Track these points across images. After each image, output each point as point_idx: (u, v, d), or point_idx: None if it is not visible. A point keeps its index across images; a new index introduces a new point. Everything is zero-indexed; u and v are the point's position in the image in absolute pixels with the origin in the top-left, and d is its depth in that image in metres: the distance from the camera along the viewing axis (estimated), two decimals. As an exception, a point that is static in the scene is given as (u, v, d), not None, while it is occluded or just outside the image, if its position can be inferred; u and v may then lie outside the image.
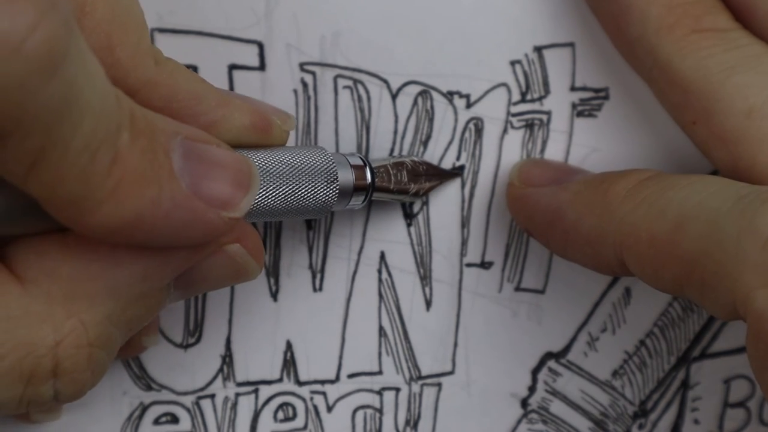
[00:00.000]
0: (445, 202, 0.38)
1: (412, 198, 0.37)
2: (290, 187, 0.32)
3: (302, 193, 0.33)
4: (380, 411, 0.39)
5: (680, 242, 0.31)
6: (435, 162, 0.37)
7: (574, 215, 0.35)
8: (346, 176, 0.34)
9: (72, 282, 0.27)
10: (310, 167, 0.33)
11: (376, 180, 0.35)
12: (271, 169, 0.32)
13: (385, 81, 0.36)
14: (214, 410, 0.38)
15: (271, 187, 0.32)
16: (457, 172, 0.38)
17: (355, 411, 0.39)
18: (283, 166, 0.32)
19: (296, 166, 0.33)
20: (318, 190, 0.33)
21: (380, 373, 0.39)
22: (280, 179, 0.32)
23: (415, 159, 0.37)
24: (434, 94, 0.37)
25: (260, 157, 0.32)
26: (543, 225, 0.36)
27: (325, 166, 0.33)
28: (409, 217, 0.38)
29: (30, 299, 0.27)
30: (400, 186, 0.36)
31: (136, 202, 0.26)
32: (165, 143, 0.27)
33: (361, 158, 0.35)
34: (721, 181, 0.32)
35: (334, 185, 0.33)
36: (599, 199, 0.34)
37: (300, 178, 0.32)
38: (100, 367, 0.29)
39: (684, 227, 0.31)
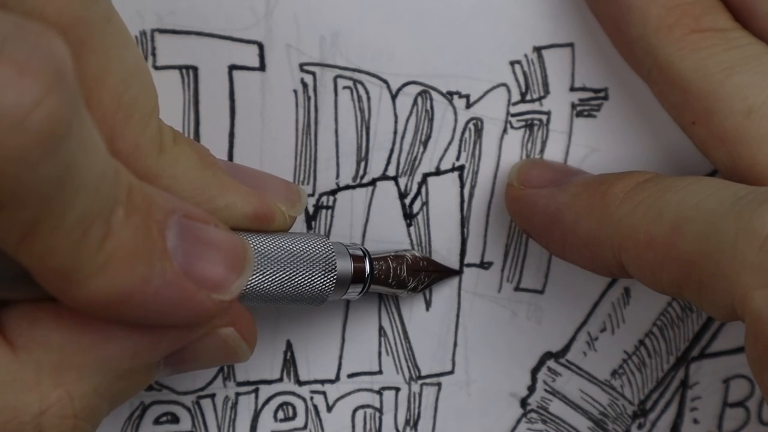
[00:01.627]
0: (444, 203, 0.38)
1: (410, 293, 0.37)
2: (287, 273, 0.32)
3: (299, 280, 0.33)
4: (380, 411, 0.39)
5: (678, 244, 0.31)
6: (435, 163, 0.37)
7: (573, 217, 0.35)
8: (345, 266, 0.34)
9: (62, 353, 0.27)
10: (309, 255, 0.33)
11: (375, 272, 0.35)
12: (269, 254, 0.32)
13: (385, 81, 0.36)
14: (215, 410, 0.38)
15: (268, 272, 0.32)
16: (456, 271, 0.38)
17: (355, 411, 0.39)
18: (282, 252, 0.32)
19: (295, 252, 0.33)
20: (315, 278, 0.33)
21: (380, 372, 0.39)
22: (278, 264, 0.32)
23: (416, 254, 0.37)
24: (434, 95, 0.37)
25: (260, 242, 0.32)
26: (541, 227, 0.36)
27: (324, 255, 0.33)
28: (408, 217, 0.38)
29: (19, 366, 0.27)
30: (399, 280, 0.36)
31: (125, 279, 0.26)
32: (161, 221, 0.27)
33: (361, 249, 0.35)
34: (719, 182, 0.32)
35: (332, 275, 0.34)
36: (597, 201, 0.34)
37: (298, 265, 0.33)
38: None
39: (682, 229, 0.31)
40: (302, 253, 0.33)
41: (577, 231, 0.35)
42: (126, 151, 0.29)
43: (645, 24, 0.34)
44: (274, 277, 0.32)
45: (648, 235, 0.32)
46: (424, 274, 0.37)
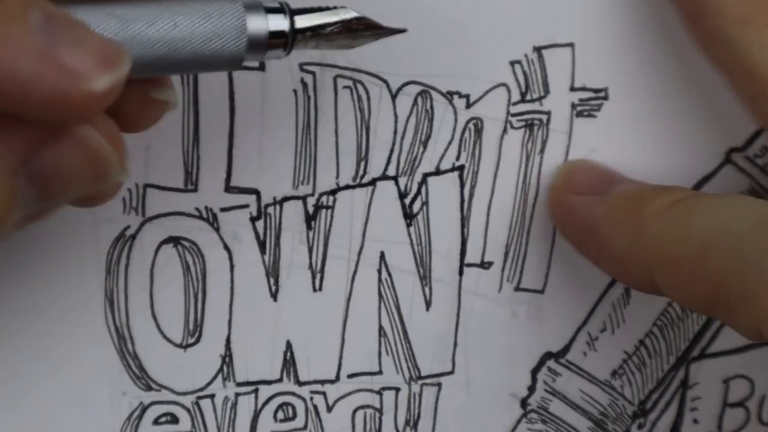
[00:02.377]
0: (444, 202, 0.38)
1: (342, 46, 0.32)
2: (189, 22, 0.28)
3: (202, 29, 0.28)
4: (380, 411, 0.39)
5: (706, 265, 0.32)
6: (435, 163, 0.37)
7: (608, 231, 0.35)
8: (258, 24, 0.29)
9: None
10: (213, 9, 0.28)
11: (296, 24, 0.30)
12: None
13: (385, 81, 0.36)
14: (214, 410, 0.38)
15: (162, 19, 0.28)
16: (399, 29, 0.33)
17: (355, 411, 0.39)
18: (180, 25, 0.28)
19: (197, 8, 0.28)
20: (225, 41, 0.28)
21: (380, 373, 0.39)
22: (176, 10, 0.28)
23: (349, 15, 0.31)
24: (434, 94, 0.37)
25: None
26: (578, 237, 0.37)
27: (233, 15, 0.29)
28: (408, 217, 0.38)
29: None
30: (329, 40, 0.31)
31: None
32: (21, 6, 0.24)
33: (280, 3, 0.30)
34: (747, 202, 0.33)
35: (242, 33, 0.29)
36: (633, 218, 0.35)
37: (199, 18, 0.28)
38: None
39: (709, 251, 0.32)
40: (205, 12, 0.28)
41: (611, 246, 0.35)
42: None
43: (723, 16, 0.34)
44: (170, 25, 0.28)
45: (677, 256, 0.33)
46: (359, 33, 0.32)
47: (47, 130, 0.26)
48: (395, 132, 0.37)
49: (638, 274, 0.34)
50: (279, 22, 0.29)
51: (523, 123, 0.38)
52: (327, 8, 0.31)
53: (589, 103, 0.38)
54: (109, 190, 0.28)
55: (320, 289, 0.38)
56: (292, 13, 0.30)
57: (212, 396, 0.37)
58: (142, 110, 0.30)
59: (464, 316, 0.39)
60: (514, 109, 0.38)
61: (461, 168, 0.38)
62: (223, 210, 0.36)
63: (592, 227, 0.36)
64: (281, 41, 0.30)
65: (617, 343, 0.40)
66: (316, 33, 0.30)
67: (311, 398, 0.38)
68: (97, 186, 0.28)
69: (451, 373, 0.39)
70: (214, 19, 0.28)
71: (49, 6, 0.25)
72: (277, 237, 0.37)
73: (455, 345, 0.39)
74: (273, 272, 0.37)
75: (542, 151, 0.38)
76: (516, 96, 0.38)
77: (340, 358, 0.38)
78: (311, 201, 0.37)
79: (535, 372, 0.40)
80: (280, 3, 0.30)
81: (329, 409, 0.39)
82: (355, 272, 0.38)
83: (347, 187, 0.37)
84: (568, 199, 0.37)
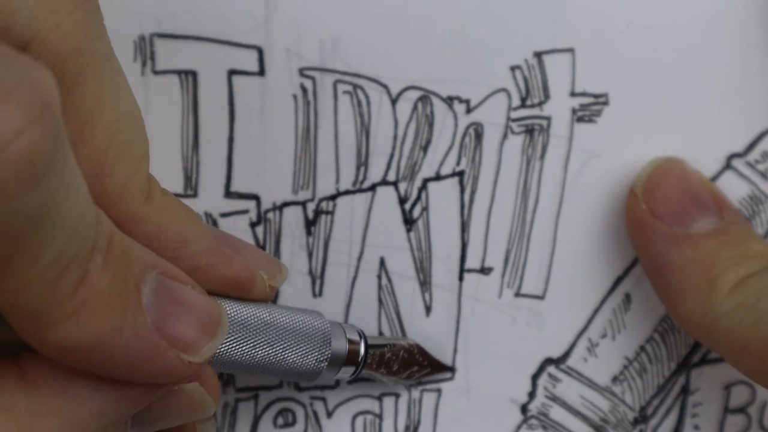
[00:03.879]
0: (444, 208, 0.38)
1: (402, 383, 0.38)
2: (280, 346, 0.32)
3: (291, 356, 0.33)
4: (380, 417, 0.39)
5: None
6: (435, 168, 0.37)
7: (677, 287, 0.36)
8: (340, 347, 0.34)
9: (30, 417, 0.27)
10: (304, 331, 0.33)
11: (369, 359, 0.35)
12: (263, 326, 0.32)
13: (385, 86, 0.36)
14: (214, 416, 0.38)
15: (260, 345, 0.32)
16: (450, 367, 0.39)
17: (354, 417, 0.39)
18: (278, 325, 0.32)
19: (290, 327, 0.33)
20: (308, 356, 0.33)
21: (380, 378, 0.39)
22: (272, 337, 0.32)
23: (412, 343, 0.37)
24: (434, 99, 0.37)
25: (255, 313, 0.32)
26: (648, 268, 0.37)
27: (321, 334, 0.33)
28: (408, 222, 0.38)
29: None
30: (391, 370, 0.37)
31: (96, 327, 0.26)
32: (138, 274, 0.27)
33: (358, 331, 0.35)
34: None
35: (326, 354, 0.33)
36: (704, 286, 0.35)
37: (292, 340, 0.33)
38: None
39: None
40: (298, 328, 0.33)
41: (677, 306, 0.36)
42: (114, 190, 0.29)
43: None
44: (266, 349, 0.32)
45: (743, 343, 0.33)
46: (417, 368, 0.37)
47: (156, 387, 0.29)
48: (395, 137, 0.37)
49: (702, 339, 0.36)
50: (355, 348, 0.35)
51: (524, 128, 0.38)
52: (392, 337, 0.37)
53: (590, 109, 0.38)
54: None
55: (320, 294, 0.38)
56: (367, 345, 0.35)
57: (212, 401, 0.37)
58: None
59: (464, 322, 0.39)
60: (514, 114, 0.38)
61: (461, 173, 0.38)
62: (222, 215, 0.36)
63: (664, 269, 0.36)
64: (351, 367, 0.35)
65: (618, 349, 0.40)
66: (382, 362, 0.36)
67: (311, 404, 0.38)
68: (189, 421, 0.31)
69: (451, 378, 0.39)
70: (307, 352, 0.33)
71: (161, 265, 0.28)
72: (277, 242, 0.37)
73: (455, 351, 0.39)
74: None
75: (542, 156, 0.38)
76: (516, 101, 0.38)
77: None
78: (311, 206, 0.37)
79: (535, 378, 0.40)
80: (359, 332, 0.35)
81: (329, 414, 0.39)
82: (355, 278, 0.38)
83: (347, 192, 0.37)
84: (646, 222, 0.37)
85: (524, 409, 0.40)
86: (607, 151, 0.39)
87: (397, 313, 0.38)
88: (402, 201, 0.38)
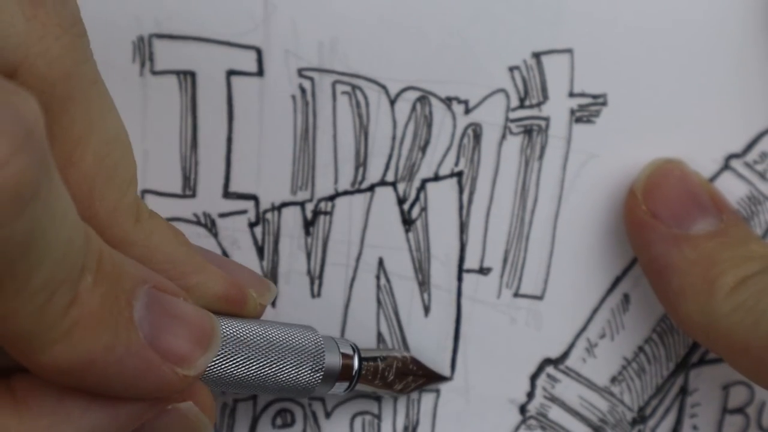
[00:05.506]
0: (443, 208, 0.38)
1: (397, 394, 0.38)
2: (274, 362, 0.32)
3: (285, 371, 0.33)
4: (379, 417, 0.39)
5: None
6: (433, 168, 0.37)
7: (677, 288, 0.36)
8: (333, 362, 0.34)
9: None
10: (298, 347, 0.33)
11: (363, 371, 0.35)
12: (256, 342, 0.32)
13: (384, 87, 0.36)
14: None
15: (254, 360, 0.32)
16: (445, 377, 0.39)
17: (353, 417, 0.39)
18: (272, 340, 0.32)
19: (283, 343, 0.33)
20: (302, 371, 0.33)
21: (378, 379, 0.39)
22: (266, 353, 0.32)
23: (406, 355, 0.37)
24: (433, 100, 0.37)
25: (249, 329, 0.32)
26: (646, 269, 0.37)
27: (314, 349, 0.33)
28: (407, 222, 0.38)
29: None
30: (386, 382, 0.37)
31: (89, 346, 0.26)
32: (129, 290, 0.27)
33: (351, 345, 0.35)
34: None
35: (320, 370, 0.33)
36: (704, 287, 0.35)
37: (286, 356, 0.33)
38: None
39: None
40: (291, 344, 0.33)
41: (677, 307, 0.36)
42: (103, 214, 0.29)
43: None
44: (260, 365, 0.32)
45: (743, 344, 0.34)
46: (412, 378, 0.37)
47: (150, 405, 0.29)
48: (394, 138, 0.37)
49: (701, 341, 0.36)
50: (349, 362, 0.35)
51: (522, 129, 0.38)
52: (386, 349, 0.38)
53: (588, 109, 0.38)
54: None
55: (319, 295, 0.38)
56: (360, 358, 0.35)
57: (210, 402, 0.37)
58: None
59: (463, 322, 0.39)
60: (512, 115, 0.38)
61: (460, 174, 0.38)
62: (221, 216, 0.36)
63: (664, 271, 0.36)
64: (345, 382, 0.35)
65: (617, 349, 0.40)
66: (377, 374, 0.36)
67: (310, 404, 0.38)
68: None
69: (450, 379, 0.39)
70: (301, 368, 0.33)
71: (152, 279, 0.28)
72: (276, 243, 0.37)
73: (454, 351, 0.39)
74: (271, 278, 0.37)
75: (541, 156, 0.38)
76: (515, 102, 0.38)
77: (339, 364, 0.38)
78: (309, 207, 0.37)
79: (534, 378, 0.40)
80: (352, 346, 0.35)
81: (328, 415, 0.39)
82: (353, 278, 0.38)
83: (346, 192, 0.37)
84: (646, 223, 0.37)
85: (523, 409, 0.40)
86: (606, 152, 0.39)
87: (396, 314, 0.38)
88: (401, 201, 0.38)
